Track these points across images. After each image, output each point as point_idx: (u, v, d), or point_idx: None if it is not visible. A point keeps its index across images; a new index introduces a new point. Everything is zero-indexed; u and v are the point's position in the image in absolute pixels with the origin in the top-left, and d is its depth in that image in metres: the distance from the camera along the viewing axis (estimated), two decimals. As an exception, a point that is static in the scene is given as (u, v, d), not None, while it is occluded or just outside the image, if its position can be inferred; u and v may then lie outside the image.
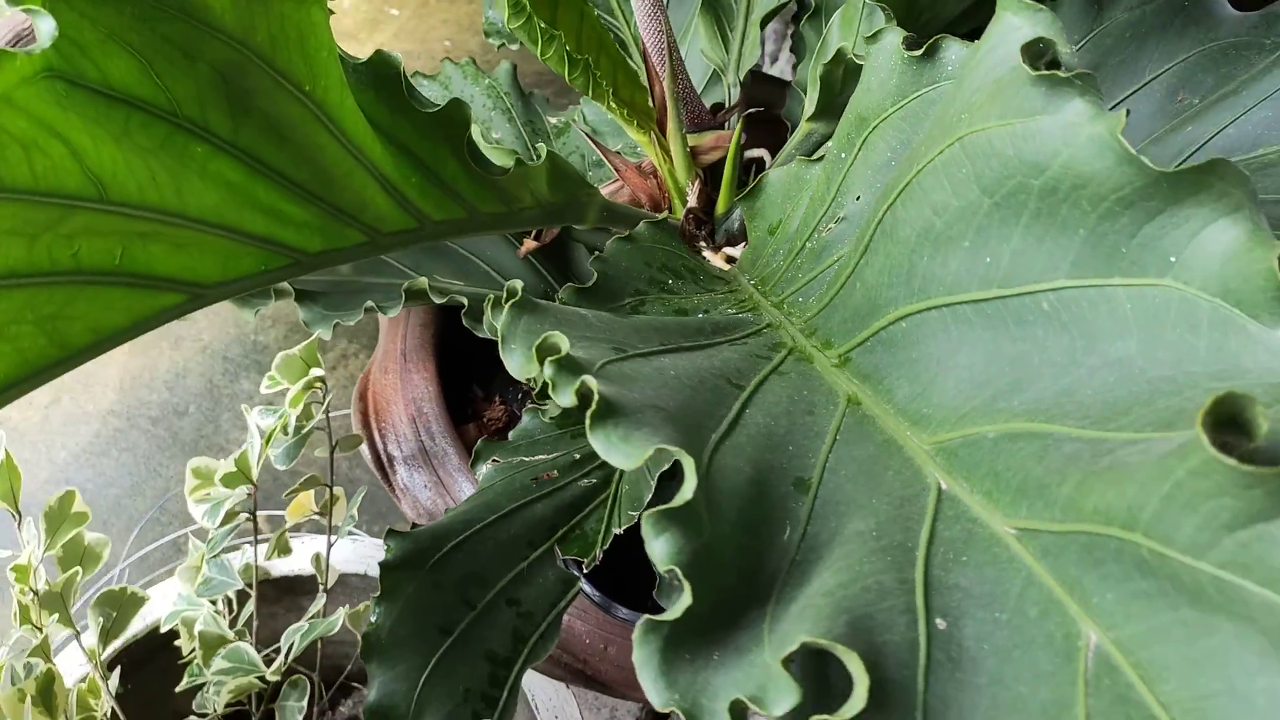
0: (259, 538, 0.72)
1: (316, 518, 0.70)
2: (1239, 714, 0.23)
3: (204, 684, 0.64)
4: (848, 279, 0.47)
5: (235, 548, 0.76)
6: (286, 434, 0.67)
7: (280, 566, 0.76)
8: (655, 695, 0.31)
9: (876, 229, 0.44)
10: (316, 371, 0.67)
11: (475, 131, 0.80)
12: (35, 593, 0.57)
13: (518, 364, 0.39)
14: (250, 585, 0.67)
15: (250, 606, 0.67)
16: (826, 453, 0.41)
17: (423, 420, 0.78)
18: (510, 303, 0.40)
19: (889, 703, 0.28)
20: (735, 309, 0.56)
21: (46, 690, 0.49)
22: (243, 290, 0.49)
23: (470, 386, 0.85)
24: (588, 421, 0.34)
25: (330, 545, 0.69)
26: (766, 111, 0.87)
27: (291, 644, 0.61)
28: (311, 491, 0.71)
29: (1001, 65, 0.35)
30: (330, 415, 0.73)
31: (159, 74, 0.39)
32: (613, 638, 0.68)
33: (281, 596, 0.77)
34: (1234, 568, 0.23)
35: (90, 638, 0.61)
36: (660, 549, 0.31)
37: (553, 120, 0.91)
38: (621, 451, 0.33)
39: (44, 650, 0.52)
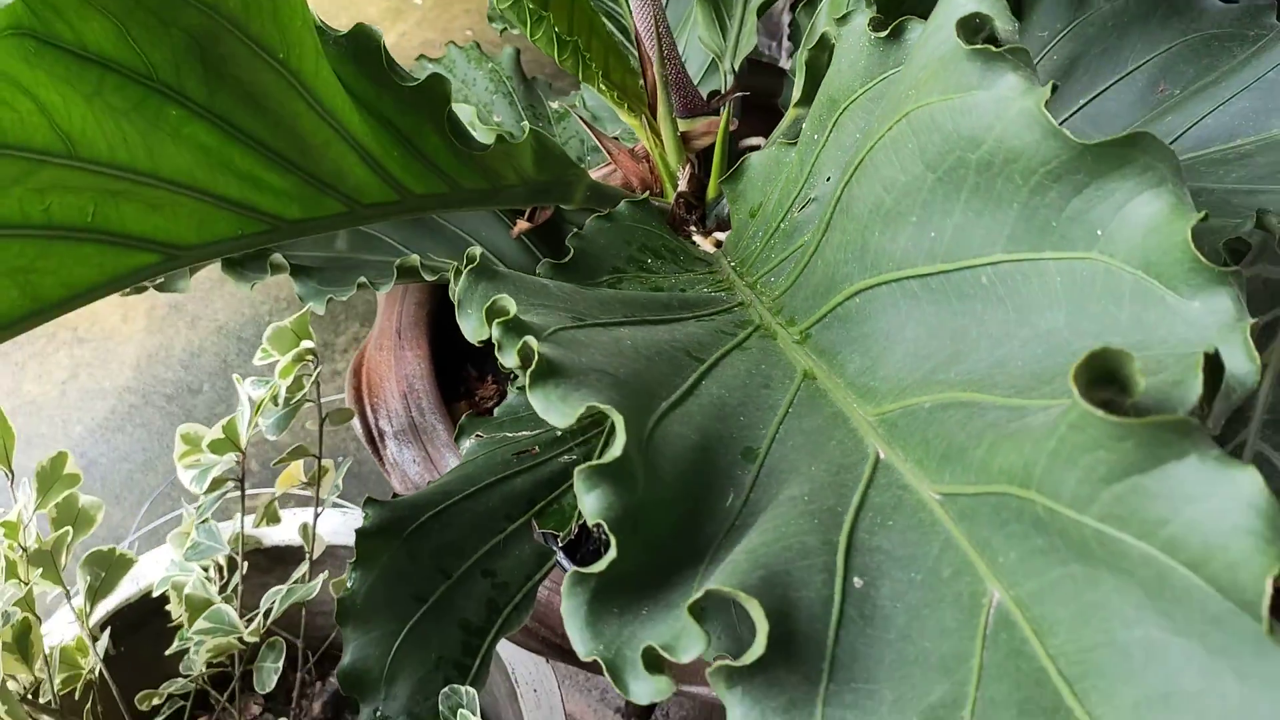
0: (248, 507, 0.73)
1: (304, 492, 0.71)
2: (1118, 665, 0.23)
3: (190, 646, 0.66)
4: (811, 257, 0.48)
5: (229, 517, 0.78)
6: (276, 404, 0.69)
7: (272, 537, 0.77)
8: (580, 646, 0.32)
9: (836, 206, 0.45)
10: (307, 344, 0.68)
11: (469, 111, 0.81)
12: (24, 549, 0.59)
13: (471, 327, 0.40)
14: (238, 552, 0.69)
15: (238, 573, 0.69)
16: (777, 425, 0.42)
17: (414, 396, 0.79)
18: (468, 268, 0.41)
19: (797, 654, 0.28)
20: (711, 289, 0.57)
21: (23, 638, 0.50)
22: (220, 254, 0.50)
23: (465, 366, 0.86)
24: (527, 380, 0.35)
25: (317, 515, 0.71)
26: (764, 100, 0.88)
27: (271, 605, 0.62)
28: (301, 462, 0.72)
29: (945, 42, 0.35)
30: (323, 389, 0.74)
31: (135, 39, 0.41)
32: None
33: (273, 566, 0.78)
34: (1112, 521, 0.23)
35: (80, 598, 0.63)
36: (590, 504, 0.32)
37: (554, 105, 0.92)
38: (559, 410, 0.34)
39: (27, 602, 0.53)
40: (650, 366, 0.42)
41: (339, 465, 0.73)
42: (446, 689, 0.53)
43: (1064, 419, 0.24)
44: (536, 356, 0.35)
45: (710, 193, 0.75)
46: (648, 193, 0.71)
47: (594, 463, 0.32)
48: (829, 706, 0.27)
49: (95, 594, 0.63)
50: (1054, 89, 0.31)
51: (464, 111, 0.83)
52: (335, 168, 0.51)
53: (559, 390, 0.34)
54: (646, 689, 0.30)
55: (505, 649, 0.73)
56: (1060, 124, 0.61)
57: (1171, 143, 0.56)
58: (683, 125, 0.73)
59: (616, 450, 0.32)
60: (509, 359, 0.36)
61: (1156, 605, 0.23)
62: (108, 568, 0.63)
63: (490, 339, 0.38)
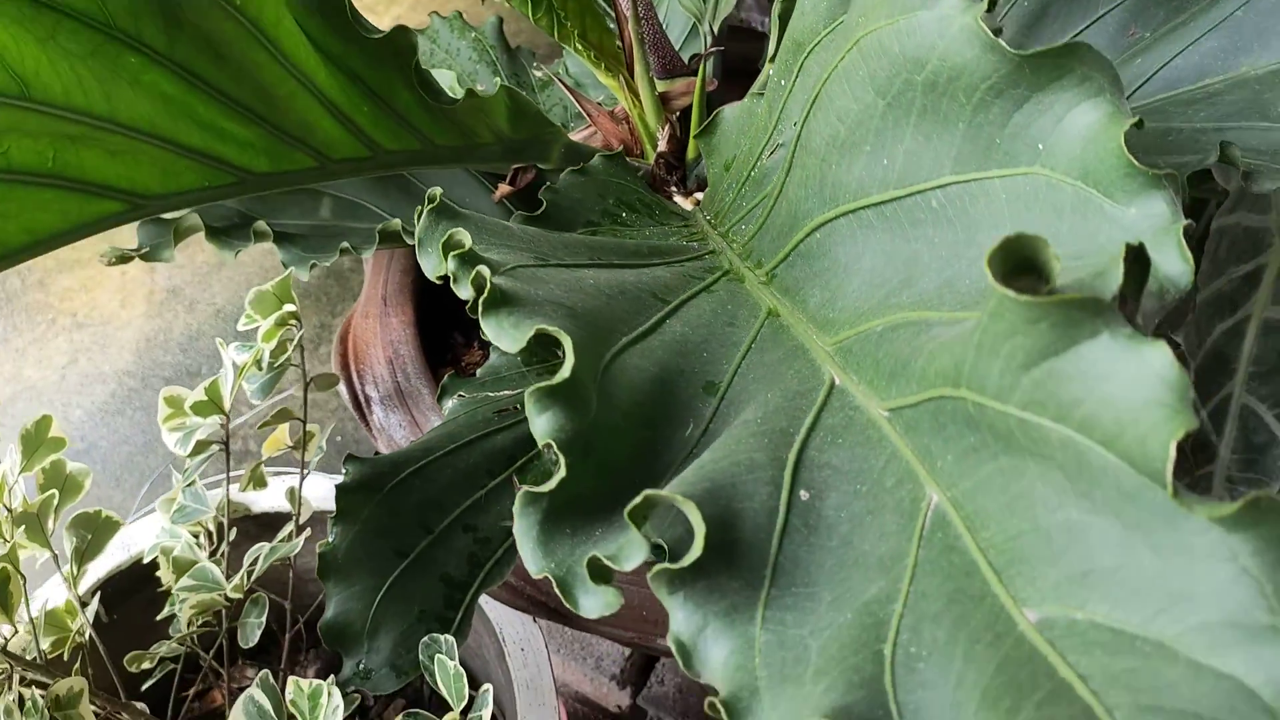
0: (235, 474, 0.74)
1: (290, 470, 0.71)
2: (1041, 549, 0.24)
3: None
4: (776, 199, 0.48)
5: (216, 485, 0.78)
6: (261, 369, 0.69)
7: (260, 503, 0.78)
8: (531, 564, 0.32)
9: (797, 144, 0.45)
10: (289, 307, 0.68)
11: (450, 77, 0.81)
12: (9, 510, 0.59)
13: (431, 264, 0.40)
14: (223, 515, 0.69)
15: (225, 539, 0.69)
16: (740, 360, 0.42)
17: (399, 362, 0.79)
18: (429, 207, 0.41)
19: (739, 561, 0.29)
20: (684, 240, 0.57)
21: (2, 588, 0.51)
22: (187, 204, 0.50)
23: (451, 333, 0.87)
24: (480, 309, 0.35)
25: (303, 478, 0.71)
26: (747, 66, 0.88)
27: (255, 560, 0.63)
28: (286, 427, 0.72)
29: (891, -35, 0.36)
30: (317, 366, 0.75)
31: (93, -15, 0.41)
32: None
33: (262, 533, 0.79)
34: (1033, 407, 0.23)
35: (67, 561, 0.64)
36: (540, 425, 0.33)
37: (538, 74, 0.92)
38: (509, 335, 0.34)
39: (10, 558, 0.54)
40: (611, 304, 0.42)
41: (323, 429, 0.73)
42: (427, 638, 0.53)
43: (986, 311, 0.24)
44: (489, 285, 0.35)
45: (690, 153, 0.75)
46: (621, 148, 0.71)
47: (543, 384, 0.33)
48: (770, 609, 0.27)
49: (82, 556, 0.63)
50: (991, 4, 0.31)
51: (445, 77, 0.83)
52: (301, 120, 0.51)
53: (511, 317, 0.35)
54: (595, 602, 0.30)
55: (493, 611, 0.74)
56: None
57: (1141, 85, 0.56)
58: (661, 86, 0.73)
59: (565, 372, 0.32)
60: (464, 290, 0.37)
61: (1076, 487, 0.23)
62: (94, 530, 0.64)
63: (449, 275, 0.38)
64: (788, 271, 0.45)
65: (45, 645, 0.63)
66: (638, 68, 0.71)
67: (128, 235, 0.68)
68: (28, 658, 0.57)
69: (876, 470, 0.31)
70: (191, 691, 0.72)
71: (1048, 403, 0.23)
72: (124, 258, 0.70)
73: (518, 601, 0.70)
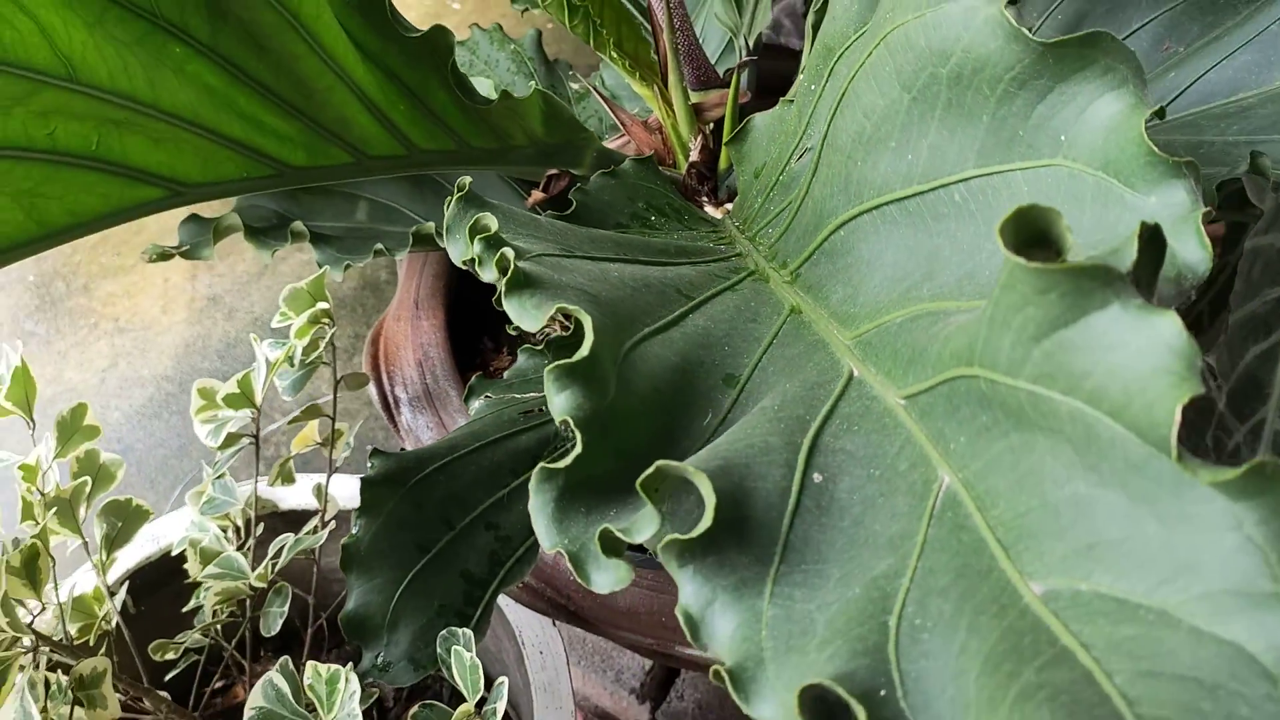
0: (264, 473, 0.75)
1: (320, 448, 0.72)
2: (1048, 524, 0.24)
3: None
4: (803, 199, 0.48)
5: (247, 482, 0.79)
6: (292, 365, 0.70)
7: (289, 500, 0.79)
8: (544, 539, 0.33)
9: (824, 143, 0.45)
10: (322, 305, 0.69)
11: (487, 85, 0.82)
12: (42, 493, 0.60)
13: (458, 250, 0.41)
14: (251, 508, 0.70)
15: (253, 532, 0.70)
16: (761, 354, 0.42)
17: (429, 364, 0.80)
18: (458, 196, 0.42)
19: (750, 538, 0.29)
20: (712, 242, 0.57)
21: (31, 564, 0.52)
22: (226, 194, 0.51)
23: (481, 339, 0.87)
24: (503, 289, 0.36)
25: (330, 474, 0.72)
26: (782, 83, 0.88)
27: (280, 550, 0.63)
28: (316, 424, 0.73)
29: (918, -39, 0.36)
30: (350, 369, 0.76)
31: (140, -26, 0.42)
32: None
33: (290, 530, 0.79)
34: (1043, 380, 0.23)
35: (97, 548, 0.65)
36: (559, 403, 0.33)
37: (574, 86, 0.93)
38: (530, 315, 0.35)
39: (42, 537, 0.55)
40: (635, 296, 0.42)
41: (351, 428, 0.74)
42: (445, 631, 0.54)
43: (999, 284, 0.24)
44: (513, 267, 0.36)
45: (722, 164, 0.76)
46: (653, 157, 0.72)
47: (562, 362, 0.33)
48: (778, 585, 0.28)
49: (112, 543, 0.64)
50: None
51: (483, 85, 0.84)
52: (339, 115, 0.52)
53: (534, 298, 0.35)
54: (607, 577, 0.31)
55: (514, 614, 0.74)
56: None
57: (1174, 99, 0.56)
58: (695, 97, 0.74)
59: (584, 350, 0.33)
60: (488, 274, 0.37)
61: (1085, 460, 0.23)
62: (124, 518, 0.65)
63: (474, 259, 0.39)
64: (811, 270, 0.45)
65: (73, 631, 0.64)
66: (672, 77, 0.71)
67: (170, 234, 0.70)
68: (55, 638, 0.57)
69: (890, 455, 0.31)
70: (212, 686, 0.73)
71: (1057, 375, 0.23)
72: (165, 255, 0.72)
73: (537, 604, 0.70)
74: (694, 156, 0.75)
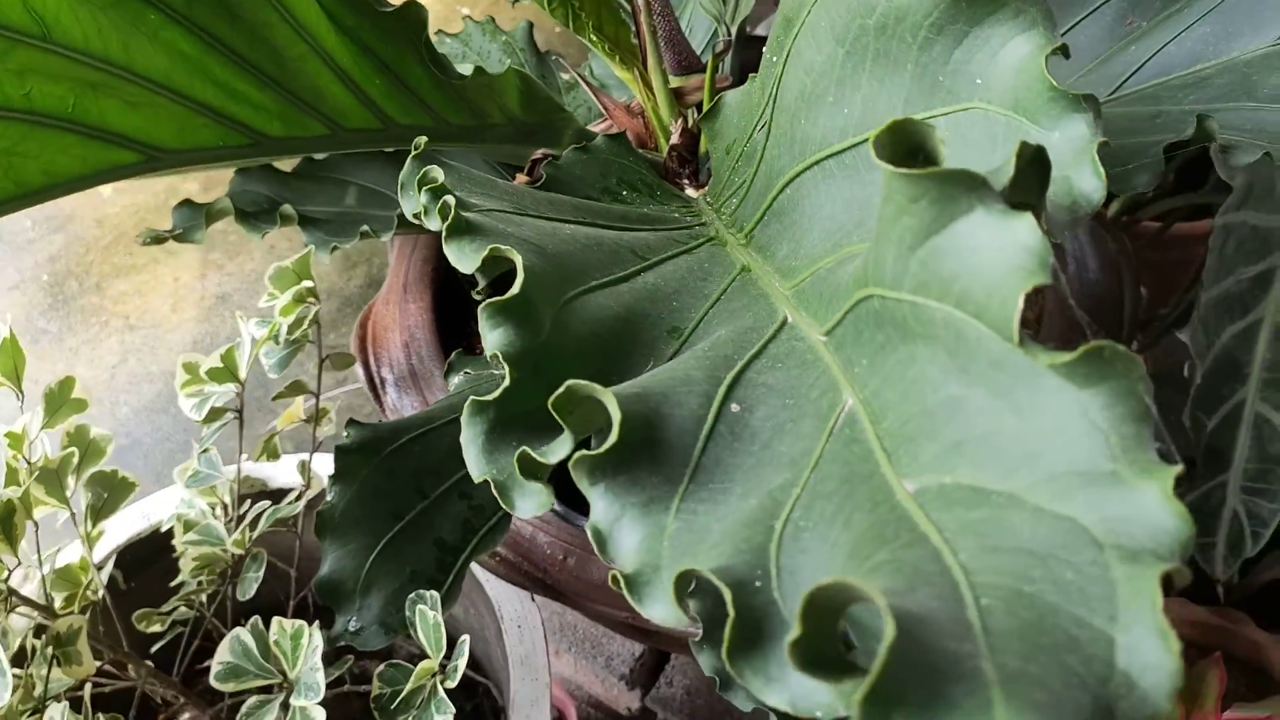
0: (252, 445, 0.76)
1: (304, 424, 0.74)
2: (925, 427, 0.24)
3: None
4: (758, 164, 0.49)
5: (235, 462, 0.81)
6: (278, 343, 0.71)
7: (277, 479, 0.80)
8: (473, 468, 0.34)
9: (774, 106, 0.46)
10: (307, 283, 0.71)
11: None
12: (28, 461, 0.62)
13: (410, 205, 0.42)
14: (237, 484, 0.71)
15: (236, 503, 0.71)
16: (707, 309, 0.43)
17: (415, 345, 0.81)
18: (413, 154, 0.43)
19: (661, 459, 0.30)
20: (680, 215, 0.58)
21: (7, 520, 0.53)
22: (202, 161, 0.53)
23: (468, 321, 0.89)
24: (444, 236, 0.37)
25: (314, 450, 0.73)
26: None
27: (259, 516, 0.65)
28: (301, 402, 0.75)
29: (849, -83, 0.37)
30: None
31: (113, -58, 0.44)
32: (572, 549, 0.70)
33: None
34: (920, 289, 0.24)
35: (82, 518, 0.66)
36: (491, 339, 0.34)
37: (564, 76, 0.94)
38: (469, 258, 0.36)
39: (25, 501, 0.56)
40: (585, 252, 0.43)
41: (335, 405, 0.75)
42: (414, 593, 0.55)
43: (880, 198, 0.25)
44: (454, 213, 0.37)
45: (702, 147, 0.77)
46: (625, 134, 0.73)
47: (495, 299, 0.34)
48: (685, 502, 0.28)
49: (97, 514, 0.65)
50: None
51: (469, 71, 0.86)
52: (312, 85, 0.54)
53: (473, 243, 0.36)
54: (527, 502, 0.32)
55: (493, 589, 0.75)
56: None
57: (1134, 72, 0.56)
58: (676, 81, 0.75)
59: (515, 289, 0.34)
60: (433, 222, 0.38)
61: (956, 363, 0.24)
62: (110, 489, 0.66)
63: (422, 210, 0.40)
64: (763, 231, 0.46)
65: (58, 601, 0.66)
66: (650, 60, 0.72)
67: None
68: (39, 601, 0.59)
69: (806, 386, 0.32)
70: (192, 650, 0.74)
71: (931, 282, 0.24)
72: (159, 238, 0.73)
73: (515, 577, 0.71)
74: (674, 139, 0.76)
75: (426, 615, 0.52)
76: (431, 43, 0.56)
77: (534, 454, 0.30)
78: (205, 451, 0.70)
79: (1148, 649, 0.17)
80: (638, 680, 1.02)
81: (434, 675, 0.51)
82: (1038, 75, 0.30)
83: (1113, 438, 0.20)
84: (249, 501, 0.75)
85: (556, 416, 0.29)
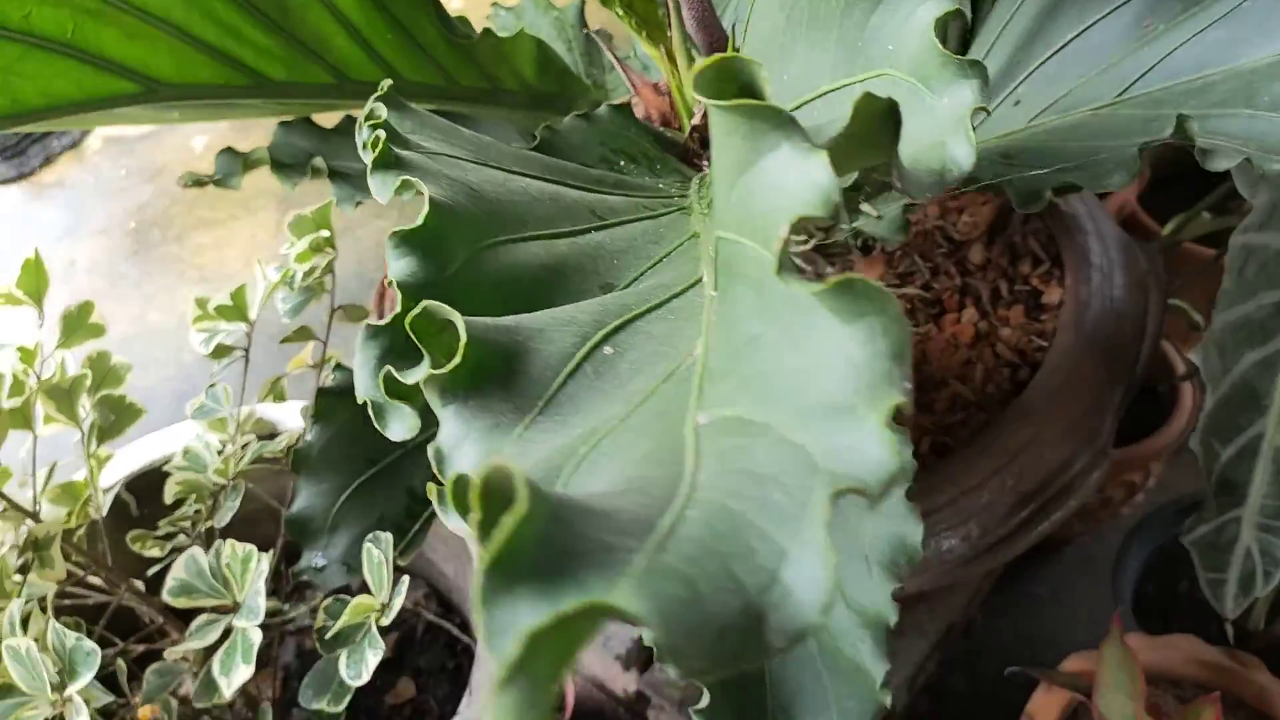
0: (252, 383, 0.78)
1: (311, 369, 0.76)
2: (728, 366, 0.24)
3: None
4: (729, 136, 0.49)
5: (252, 403, 0.83)
6: (292, 289, 0.74)
7: (285, 424, 0.82)
8: (360, 389, 0.34)
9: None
10: (324, 233, 0.73)
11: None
12: (37, 375, 0.65)
13: (360, 139, 0.43)
14: (238, 419, 0.74)
15: (237, 441, 0.74)
16: (646, 269, 0.43)
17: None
18: (376, 95, 0.44)
19: (516, 389, 0.30)
20: (669, 187, 0.59)
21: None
22: (204, 97, 0.55)
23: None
24: (370, 168, 0.38)
25: (317, 394, 0.75)
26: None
27: (245, 446, 0.67)
28: (310, 347, 0.77)
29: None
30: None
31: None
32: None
33: (283, 457, 0.83)
34: (737, 228, 0.24)
35: (88, 437, 0.69)
36: (395, 268, 0.35)
37: (610, 57, 0.95)
38: (385, 187, 0.37)
39: (25, 411, 0.59)
40: (535, 204, 0.44)
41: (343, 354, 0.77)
42: (371, 534, 0.56)
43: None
44: (383, 146, 0.38)
45: (726, 131, 0.77)
46: (629, 105, 0.73)
47: (401, 228, 0.35)
48: (528, 430, 0.29)
49: (103, 434, 0.68)
50: None
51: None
52: (315, 33, 0.55)
53: (392, 174, 0.37)
54: (394, 424, 0.33)
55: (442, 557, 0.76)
56: (1044, 61, 0.60)
57: (1143, 75, 0.55)
58: (702, 61, 0.75)
59: (419, 220, 0.35)
60: (367, 155, 0.39)
61: (760, 302, 0.24)
62: (118, 412, 0.69)
63: (363, 146, 0.41)
64: (715, 198, 0.46)
65: (60, 513, 0.69)
66: (675, 36, 0.73)
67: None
68: (30, 509, 0.62)
69: (682, 335, 0.32)
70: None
71: (745, 221, 0.24)
72: (199, 182, 0.76)
73: (466, 550, 0.72)
74: (696, 120, 0.76)
75: (373, 553, 0.53)
76: (441, 1, 0.58)
77: (397, 374, 0.31)
78: (212, 386, 0.72)
79: (809, 562, 0.17)
80: (633, 661, 1.02)
81: (374, 613, 0.52)
82: (930, 40, 0.30)
83: (864, 373, 0.20)
84: (256, 439, 0.77)
85: (414, 337, 0.30)
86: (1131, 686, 0.77)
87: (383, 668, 0.82)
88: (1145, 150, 0.46)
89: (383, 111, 0.41)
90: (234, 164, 0.76)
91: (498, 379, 0.30)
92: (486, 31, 0.60)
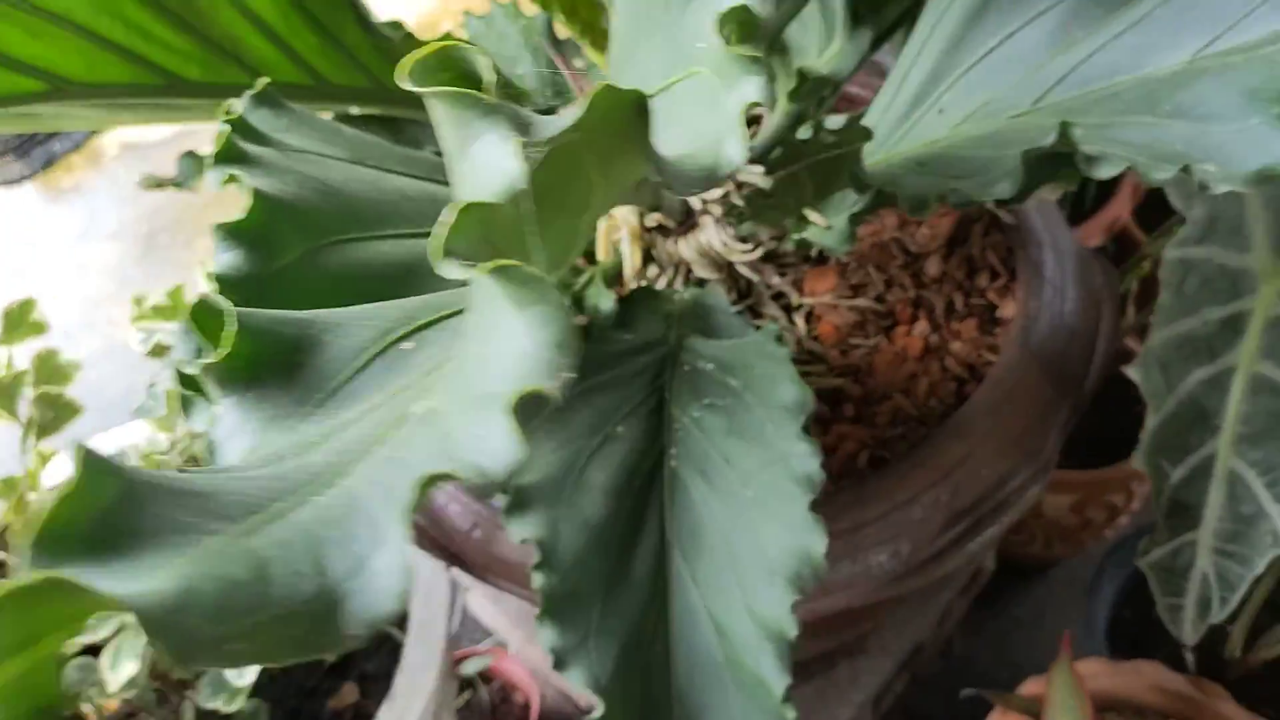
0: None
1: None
2: (447, 357, 0.24)
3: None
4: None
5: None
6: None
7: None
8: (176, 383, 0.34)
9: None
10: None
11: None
12: (-22, 372, 0.66)
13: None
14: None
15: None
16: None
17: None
18: (250, 94, 0.45)
19: (300, 382, 0.30)
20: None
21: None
22: (116, 96, 0.55)
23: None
24: (212, 161, 0.38)
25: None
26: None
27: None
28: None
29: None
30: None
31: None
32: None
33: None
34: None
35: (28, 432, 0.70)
36: (218, 260, 0.35)
37: (579, 64, 0.95)
38: (216, 180, 0.37)
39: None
40: (401, 204, 0.44)
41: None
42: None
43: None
44: (227, 140, 0.38)
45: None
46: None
47: (225, 221, 0.35)
48: (303, 421, 0.29)
49: (40, 430, 0.69)
50: None
51: (484, 63, 0.87)
52: (228, 33, 0.56)
53: (231, 167, 0.37)
54: (194, 416, 0.32)
55: (415, 556, 0.76)
56: (968, 69, 0.59)
57: (1058, 83, 0.54)
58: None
59: (241, 213, 0.35)
60: (218, 144, 0.39)
61: (479, 294, 0.23)
62: (56, 409, 0.70)
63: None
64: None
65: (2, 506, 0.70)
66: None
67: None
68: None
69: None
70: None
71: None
72: (158, 184, 0.77)
73: (424, 543, 0.72)
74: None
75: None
76: (362, 2, 0.58)
77: (188, 369, 0.31)
78: (153, 386, 0.73)
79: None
80: (596, 673, 1.01)
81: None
82: (718, 37, 0.29)
83: (524, 363, 0.20)
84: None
85: (195, 328, 0.30)
86: (1080, 711, 0.76)
87: (327, 673, 0.83)
88: (1033, 159, 0.45)
89: (239, 108, 0.41)
90: (195, 166, 0.77)
91: (280, 371, 0.30)
92: (409, 36, 0.60)
